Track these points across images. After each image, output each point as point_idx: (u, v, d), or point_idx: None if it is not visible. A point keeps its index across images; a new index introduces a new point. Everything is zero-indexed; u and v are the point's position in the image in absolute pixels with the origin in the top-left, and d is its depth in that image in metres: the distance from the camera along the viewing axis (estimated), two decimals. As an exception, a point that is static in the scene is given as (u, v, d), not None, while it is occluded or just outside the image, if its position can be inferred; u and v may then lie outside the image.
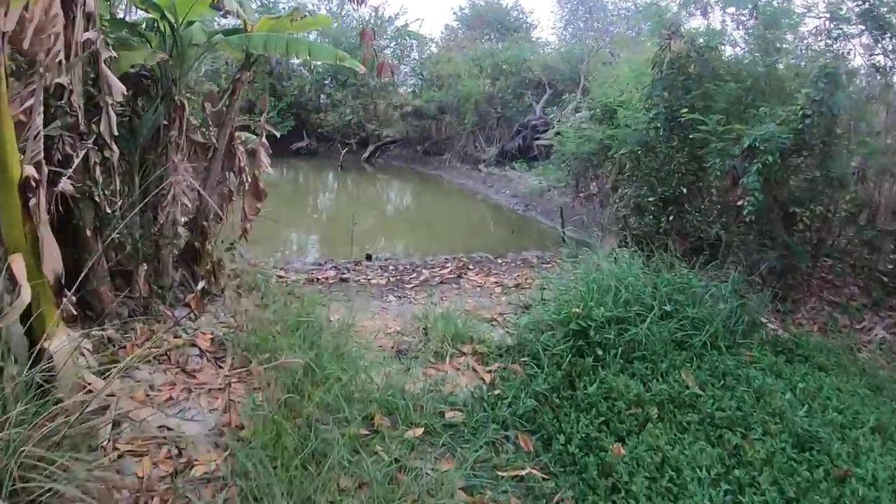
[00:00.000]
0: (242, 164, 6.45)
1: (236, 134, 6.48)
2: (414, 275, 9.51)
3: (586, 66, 22.04)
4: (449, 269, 9.80)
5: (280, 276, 9.13)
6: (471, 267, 10.15)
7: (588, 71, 21.58)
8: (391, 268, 10.10)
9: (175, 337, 5.76)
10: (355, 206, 19.49)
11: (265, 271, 8.88)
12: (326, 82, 29.95)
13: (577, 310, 5.58)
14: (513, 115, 23.20)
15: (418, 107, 26.13)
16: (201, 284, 6.54)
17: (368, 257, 11.11)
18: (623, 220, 9.06)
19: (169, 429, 4.70)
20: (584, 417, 4.56)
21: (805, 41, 9.79)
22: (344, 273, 9.63)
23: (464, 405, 4.86)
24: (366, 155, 28.15)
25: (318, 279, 9.14)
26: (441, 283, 8.93)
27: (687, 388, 5.01)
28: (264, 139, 6.71)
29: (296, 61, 31.18)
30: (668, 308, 5.93)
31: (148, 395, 5.03)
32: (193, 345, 5.74)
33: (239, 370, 5.37)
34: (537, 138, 21.09)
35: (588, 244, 12.43)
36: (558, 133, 12.67)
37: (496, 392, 5.01)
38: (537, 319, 5.93)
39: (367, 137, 28.75)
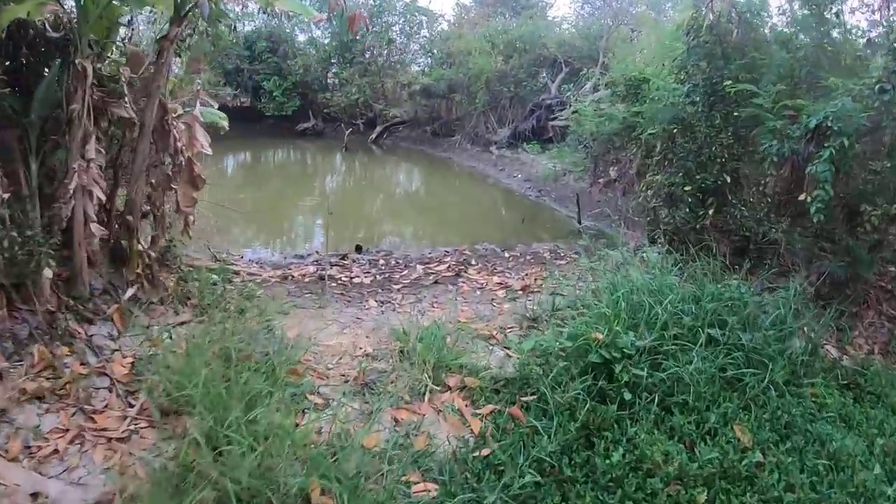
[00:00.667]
0: (180, 145, 5.15)
1: (170, 107, 5.17)
2: (405, 272, 8.23)
3: (605, 42, 20.51)
4: (447, 265, 8.51)
5: (251, 274, 7.89)
6: (473, 262, 8.85)
7: (608, 48, 20.07)
8: (381, 262, 8.83)
9: (80, 364, 4.51)
10: (358, 190, 18.22)
11: (229, 269, 7.66)
12: (333, 61, 28.59)
13: (599, 335, 4.27)
14: (526, 95, 21.70)
15: (427, 85, 24.70)
16: (129, 292, 5.30)
17: (358, 249, 9.85)
18: (652, 213, 7.70)
19: (45, 497, 3.51)
20: (604, 501, 3.27)
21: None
22: (326, 269, 8.37)
23: (440, 473, 3.58)
24: (373, 136, 26.85)
25: (293, 276, 7.89)
26: (435, 282, 7.64)
27: (743, 453, 3.69)
28: (198, 112, 5.37)
29: (301, 38, 29.97)
30: (714, 332, 4.61)
31: (28, 448, 3.81)
32: (103, 373, 4.49)
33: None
34: (552, 119, 19.64)
35: (608, 238, 11.15)
36: (575, 112, 11.26)
37: (485, 453, 3.71)
38: (546, 344, 4.60)
39: (374, 118, 27.44)
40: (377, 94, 27.24)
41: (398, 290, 7.26)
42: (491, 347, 5.24)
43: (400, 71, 27.51)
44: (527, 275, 7.96)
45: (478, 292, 7.21)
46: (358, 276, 7.94)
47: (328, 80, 29.45)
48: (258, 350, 4.86)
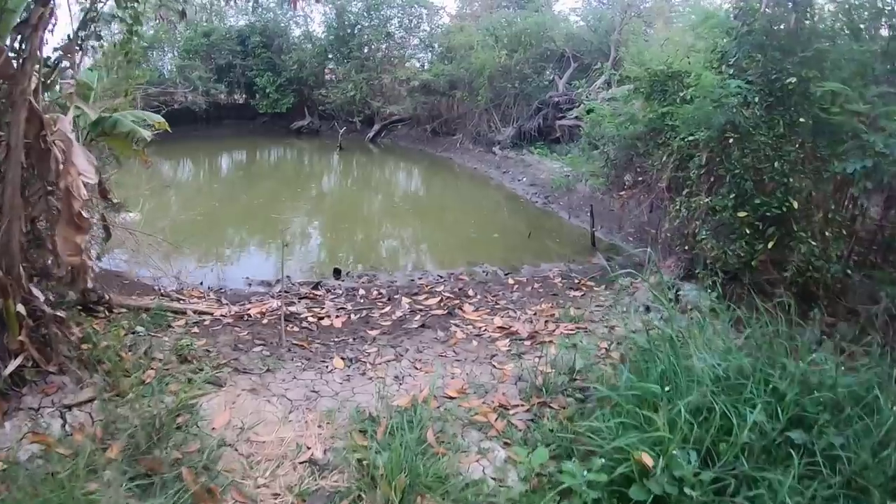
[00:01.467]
0: (63, 168, 3.75)
1: (47, 119, 3.77)
2: (387, 307, 6.84)
3: (618, 35, 19.03)
4: (438, 299, 7.11)
5: (200, 313, 6.54)
6: (470, 292, 7.45)
7: (620, 42, 18.61)
8: (360, 293, 7.45)
9: None
10: (350, 195, 16.82)
11: (169, 309, 6.32)
12: (330, 56, 27.21)
13: (647, 459, 2.87)
14: (532, 92, 20.21)
15: (427, 81, 23.20)
16: (12, 365, 3.92)
17: (337, 273, 8.48)
18: (690, 240, 6.30)
19: None
20: None
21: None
22: (293, 302, 7.00)
23: None
24: (370, 134, 25.51)
25: (249, 315, 6.52)
26: (422, 326, 6.23)
27: None
28: (68, 127, 3.94)
29: (296, 33, 28.58)
30: (799, 438, 3.20)
31: None
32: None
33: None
34: (560, 118, 18.20)
35: (627, 257, 9.77)
36: (590, 111, 9.80)
37: None
38: (568, 472, 3.16)
39: (372, 115, 26.06)
40: (375, 90, 25.85)
41: (374, 338, 5.85)
42: (488, 444, 3.83)
43: (398, 66, 26.04)
44: (535, 314, 6.55)
45: (474, 342, 5.79)
46: (329, 315, 6.56)
47: (324, 77, 28.09)
48: (166, 455, 3.51)
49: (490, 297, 7.23)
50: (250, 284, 8.17)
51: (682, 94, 7.52)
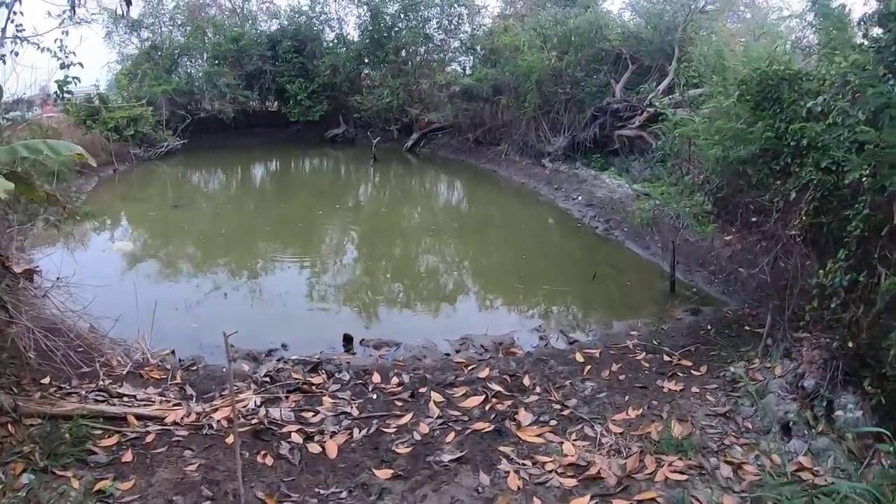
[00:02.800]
0: None
1: None
2: (409, 413, 4.81)
3: (681, 34, 16.66)
4: (482, 399, 5.04)
5: (147, 419, 4.66)
6: (526, 381, 5.39)
7: (685, 40, 16.28)
8: (373, 379, 5.44)
9: None
10: (380, 217, 14.83)
11: (103, 420, 4.46)
12: (366, 60, 25.45)
13: None
14: (585, 97, 17.92)
15: (468, 86, 21.12)
16: None
17: (347, 341, 6.52)
18: (850, 330, 4.15)
19: None
20: None
21: None
22: (278, 397, 5.06)
23: None
24: (408, 144, 23.79)
25: (211, 427, 4.59)
26: (457, 460, 4.17)
27: None
28: None
29: (329, 36, 26.86)
30: None
31: None
32: None
33: None
34: (619, 126, 15.96)
35: (722, 315, 7.55)
36: (677, 125, 7.55)
37: None
38: None
39: (410, 123, 24.19)
40: (413, 96, 24.02)
41: (383, 489, 3.82)
42: None
43: (438, 71, 24.13)
44: (622, 434, 4.44)
45: (538, 492, 3.74)
46: (323, 428, 4.57)
47: (360, 82, 26.35)
48: None
49: (554, 393, 5.14)
50: (234, 359, 6.26)
51: (804, 104, 5.43)
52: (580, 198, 14.49)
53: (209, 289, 8.91)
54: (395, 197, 17.94)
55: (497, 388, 5.17)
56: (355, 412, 4.81)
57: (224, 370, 5.88)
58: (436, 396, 5.02)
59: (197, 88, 24.49)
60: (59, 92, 6.75)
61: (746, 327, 6.74)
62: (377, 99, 24.13)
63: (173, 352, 6.40)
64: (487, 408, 4.87)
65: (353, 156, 23.92)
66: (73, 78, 6.66)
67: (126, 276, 9.49)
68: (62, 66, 6.56)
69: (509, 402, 4.94)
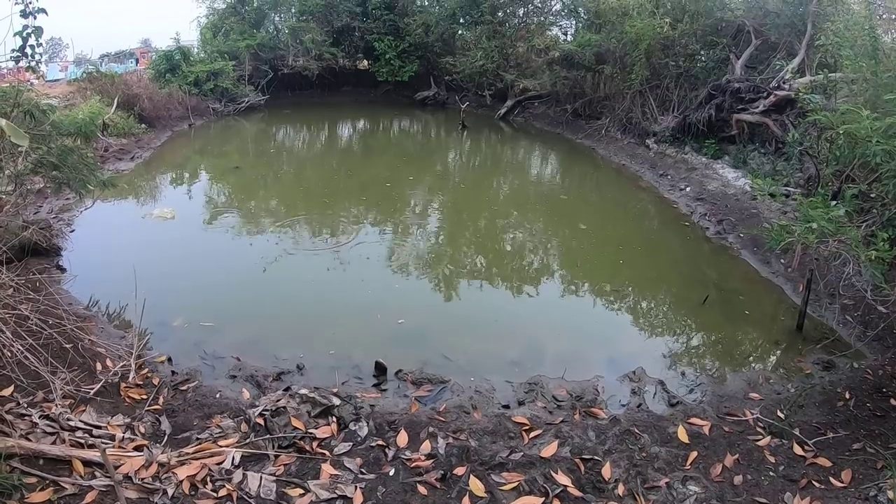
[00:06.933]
0: None
1: None
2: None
3: (815, 7, 14.03)
4: (538, 503, 3.56)
5: (93, 467, 3.46)
6: (606, 472, 3.87)
7: (819, 15, 13.77)
8: (392, 444, 4.05)
9: None
10: (463, 193, 13.31)
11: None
12: (461, 21, 23.83)
13: None
14: (699, 73, 15.75)
15: (569, 53, 19.10)
16: None
17: (380, 371, 5.16)
18: None
19: None
20: None
21: None
22: (266, 455, 3.77)
23: None
24: (501, 111, 22.21)
25: (165, 492, 3.34)
26: None
27: None
28: None
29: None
30: None
31: None
32: None
33: None
34: (740, 109, 13.74)
35: (859, 366, 5.70)
36: (840, 118, 5.57)
37: None
38: None
39: (504, 90, 22.52)
40: (508, 61, 22.26)
41: None
42: None
43: (536, 34, 22.19)
44: None
45: None
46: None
47: (453, 43, 24.78)
48: None
49: (641, 499, 3.59)
50: (235, 375, 5.01)
51: None
52: (688, 189, 12.54)
53: (243, 273, 7.75)
54: (483, 167, 16.56)
55: (564, 480, 3.66)
56: (358, 500, 3.43)
57: (218, 395, 4.64)
58: (476, 485, 3.57)
59: (282, 44, 23.63)
60: (23, 49, 5.29)
61: (894, 400, 4.98)
62: (470, 61, 22.50)
63: (169, 359, 5.24)
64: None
65: (444, 119, 22.64)
66: (35, 28, 5.26)
67: (153, 250, 8.45)
68: (23, 15, 5.18)
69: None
